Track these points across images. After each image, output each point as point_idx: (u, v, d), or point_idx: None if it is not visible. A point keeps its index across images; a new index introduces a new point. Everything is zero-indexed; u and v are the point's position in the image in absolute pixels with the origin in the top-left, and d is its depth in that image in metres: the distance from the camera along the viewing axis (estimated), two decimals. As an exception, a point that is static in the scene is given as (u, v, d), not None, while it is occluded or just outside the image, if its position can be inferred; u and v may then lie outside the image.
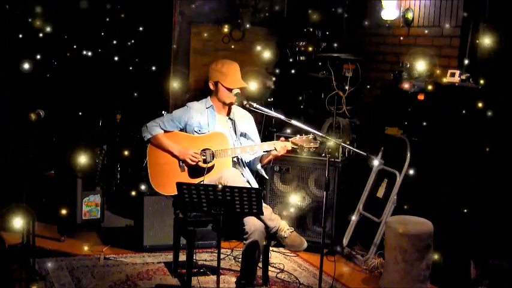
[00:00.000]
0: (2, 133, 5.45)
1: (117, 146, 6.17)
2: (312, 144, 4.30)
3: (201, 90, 6.56)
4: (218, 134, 4.42)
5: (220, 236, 3.69)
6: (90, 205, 5.44)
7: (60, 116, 5.75)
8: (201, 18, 6.54)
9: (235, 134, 4.53)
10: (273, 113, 4.47)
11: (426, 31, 5.46)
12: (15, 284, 4.12)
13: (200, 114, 4.49)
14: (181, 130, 4.50)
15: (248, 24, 6.65)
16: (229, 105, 4.51)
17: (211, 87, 4.48)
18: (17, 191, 4.66)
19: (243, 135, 4.55)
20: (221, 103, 4.49)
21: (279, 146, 4.32)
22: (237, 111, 4.59)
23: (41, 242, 4.95)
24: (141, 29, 6.23)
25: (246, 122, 4.60)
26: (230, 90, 4.41)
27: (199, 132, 4.45)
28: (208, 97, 4.54)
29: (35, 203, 4.56)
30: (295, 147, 4.35)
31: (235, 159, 4.47)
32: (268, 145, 4.38)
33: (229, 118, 4.54)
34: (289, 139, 4.34)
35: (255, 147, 4.42)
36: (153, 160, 4.43)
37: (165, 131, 4.46)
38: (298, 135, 4.34)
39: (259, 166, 4.55)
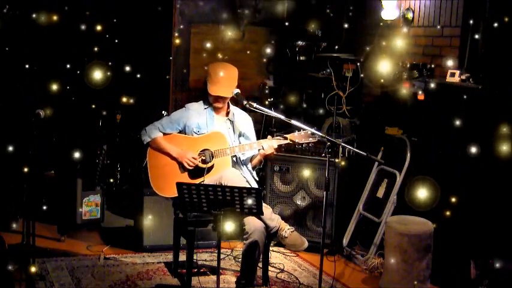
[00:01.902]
0: (2, 133, 5.45)
1: (117, 146, 6.17)
2: (310, 139, 4.32)
3: (201, 90, 6.56)
4: (216, 134, 4.43)
5: (220, 236, 3.69)
6: (90, 205, 5.44)
7: (61, 116, 5.75)
8: (201, 18, 6.54)
9: (234, 134, 4.53)
10: (273, 113, 4.47)
11: (426, 31, 5.46)
12: (15, 284, 4.11)
13: (198, 115, 4.49)
14: (180, 132, 4.50)
15: (248, 24, 6.65)
16: (220, 107, 4.50)
17: (204, 85, 4.50)
18: (17, 191, 4.66)
19: (242, 135, 4.55)
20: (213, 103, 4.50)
21: (266, 145, 4.34)
22: (236, 113, 4.59)
23: (41, 242, 4.95)
24: (141, 29, 6.23)
25: (245, 123, 4.60)
26: (209, 95, 4.44)
27: (199, 133, 4.45)
28: (206, 97, 4.55)
29: (35, 203, 4.56)
30: (291, 142, 4.37)
31: (234, 158, 4.47)
32: (265, 142, 4.38)
33: (228, 119, 4.54)
34: (287, 136, 4.35)
35: (253, 145, 4.42)
36: (153, 163, 4.44)
37: (164, 134, 4.46)
38: (297, 132, 4.34)
39: (249, 167, 4.56)
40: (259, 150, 4.40)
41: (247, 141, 4.55)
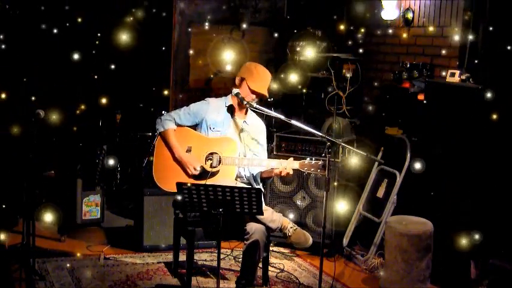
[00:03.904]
0: (2, 133, 5.45)
1: (117, 146, 6.17)
2: (319, 171, 4.14)
3: (201, 90, 6.57)
4: (229, 140, 4.38)
5: (220, 236, 3.69)
6: (90, 205, 5.44)
7: (61, 116, 5.75)
8: (201, 18, 6.55)
9: (246, 139, 4.49)
10: (273, 113, 4.45)
11: (426, 31, 5.46)
12: (15, 284, 4.12)
13: (217, 112, 4.46)
14: (196, 124, 4.48)
15: (248, 24, 6.65)
16: (245, 107, 4.47)
17: (237, 81, 4.45)
18: (17, 191, 4.66)
19: (253, 141, 4.51)
20: (238, 103, 4.44)
21: (282, 167, 4.21)
22: (253, 119, 4.56)
23: (41, 242, 4.95)
24: (141, 29, 6.23)
25: (258, 130, 4.55)
26: (252, 91, 4.37)
27: (214, 129, 4.42)
28: (229, 96, 4.51)
29: (35, 203, 4.56)
30: (302, 170, 4.21)
31: (241, 170, 4.41)
32: (276, 163, 4.27)
33: (244, 121, 4.51)
34: (299, 162, 4.20)
35: (262, 162, 4.37)
36: (160, 152, 4.41)
37: (179, 125, 4.44)
38: (308, 158, 4.20)
39: (258, 179, 4.52)
40: (274, 168, 4.29)
41: (257, 147, 4.53)
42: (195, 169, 4.31)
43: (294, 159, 4.22)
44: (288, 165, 4.20)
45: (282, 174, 4.24)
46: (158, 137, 4.45)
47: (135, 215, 5.29)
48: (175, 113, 4.46)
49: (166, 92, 6.44)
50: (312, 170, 4.16)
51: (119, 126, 6.24)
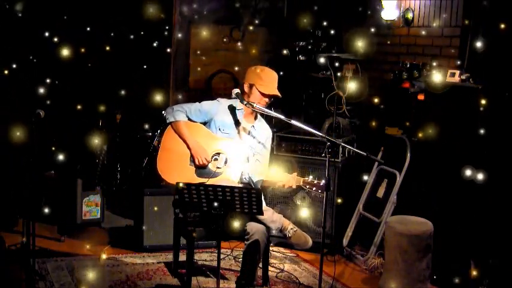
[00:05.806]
0: (2, 132, 5.45)
1: (117, 146, 6.17)
2: (320, 191, 4.14)
3: (201, 91, 6.58)
4: (237, 143, 4.37)
5: (220, 236, 3.68)
6: (90, 205, 5.44)
7: (60, 116, 5.75)
8: (201, 18, 6.55)
9: (251, 142, 4.47)
10: (273, 113, 4.45)
11: (426, 31, 5.46)
12: (15, 284, 4.12)
13: (227, 113, 4.44)
14: (205, 123, 4.47)
15: (248, 24, 6.66)
16: (254, 113, 4.47)
17: (245, 88, 4.42)
18: (17, 191, 4.67)
19: (259, 145, 4.50)
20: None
21: (286, 181, 4.23)
22: (261, 124, 4.55)
23: (41, 242, 4.95)
24: (141, 28, 6.24)
25: (265, 135, 4.54)
26: (263, 95, 4.36)
27: (223, 131, 4.41)
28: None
29: (35, 203, 4.56)
30: (303, 188, 4.22)
31: (243, 176, 4.41)
32: (280, 175, 4.28)
33: (253, 125, 4.49)
34: (302, 179, 4.20)
35: (267, 172, 4.35)
36: (166, 144, 4.39)
37: (188, 119, 4.43)
38: (311, 177, 4.20)
39: (259, 183, 4.52)
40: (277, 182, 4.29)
41: (263, 150, 4.50)
42: (205, 159, 4.30)
43: (297, 175, 4.23)
44: (291, 180, 4.21)
45: (285, 188, 4.27)
46: (168, 128, 4.42)
47: (135, 215, 5.29)
48: (187, 106, 4.44)
49: (166, 92, 6.45)
50: (314, 189, 4.17)
51: (119, 126, 6.23)
